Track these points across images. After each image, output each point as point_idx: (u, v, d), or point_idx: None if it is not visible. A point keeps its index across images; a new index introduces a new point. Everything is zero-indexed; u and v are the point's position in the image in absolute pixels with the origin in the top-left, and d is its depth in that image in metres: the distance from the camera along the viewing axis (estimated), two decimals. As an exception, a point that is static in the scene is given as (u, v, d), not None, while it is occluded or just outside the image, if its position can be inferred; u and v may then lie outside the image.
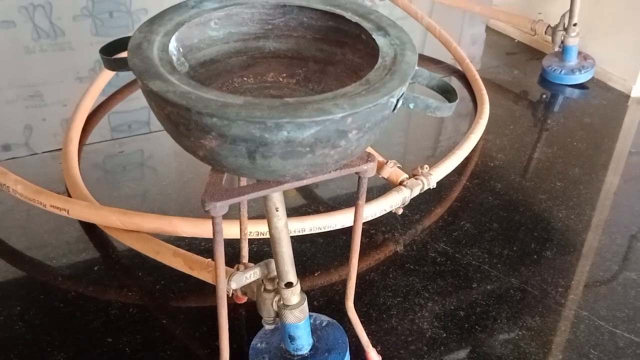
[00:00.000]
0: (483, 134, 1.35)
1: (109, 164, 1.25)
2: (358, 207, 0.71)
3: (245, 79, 0.73)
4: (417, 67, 0.61)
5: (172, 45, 0.62)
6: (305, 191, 1.19)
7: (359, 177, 0.68)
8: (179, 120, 0.54)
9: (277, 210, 0.69)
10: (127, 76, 1.51)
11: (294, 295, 0.75)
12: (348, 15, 0.68)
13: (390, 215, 1.08)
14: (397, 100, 0.58)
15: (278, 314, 0.77)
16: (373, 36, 0.64)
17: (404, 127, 1.48)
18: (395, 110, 0.58)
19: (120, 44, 0.64)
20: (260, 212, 0.96)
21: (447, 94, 0.62)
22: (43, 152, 1.25)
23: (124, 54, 0.62)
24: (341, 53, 0.70)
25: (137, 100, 1.47)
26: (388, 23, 0.66)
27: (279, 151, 0.54)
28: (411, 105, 0.59)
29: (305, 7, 0.70)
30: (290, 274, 0.74)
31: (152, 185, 1.22)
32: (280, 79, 0.74)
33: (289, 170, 0.57)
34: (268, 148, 0.54)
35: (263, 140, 0.53)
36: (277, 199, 0.69)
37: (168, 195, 1.17)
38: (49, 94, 1.45)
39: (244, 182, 0.74)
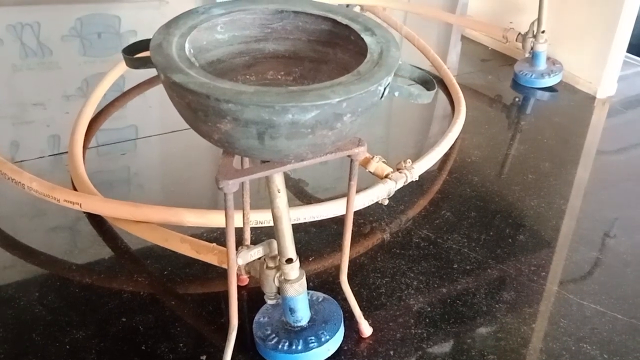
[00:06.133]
0: (460, 133, 1.45)
1: (111, 165, 1.33)
2: (351, 187, 0.80)
3: (247, 76, 0.82)
4: (400, 62, 0.70)
5: (186, 46, 0.71)
6: (297, 188, 1.28)
7: (351, 160, 0.77)
8: (198, 107, 0.63)
9: (279, 192, 0.78)
10: (116, 88, 1.59)
11: (294, 270, 0.84)
12: (339, 18, 0.77)
13: (377, 205, 1.18)
14: (384, 89, 0.67)
15: (279, 289, 0.86)
16: (362, 36, 0.73)
17: (388, 127, 1.58)
18: (383, 98, 0.68)
19: (139, 45, 0.74)
20: (258, 205, 1.05)
21: (427, 84, 0.72)
22: (49, 156, 1.33)
23: (140, 54, 0.71)
24: (333, 53, 0.80)
25: (136, 108, 1.55)
26: (374, 24, 0.76)
27: (284, 132, 0.63)
28: (396, 93, 0.69)
29: (301, 12, 0.79)
30: (290, 250, 0.83)
31: (153, 184, 1.30)
32: (279, 77, 0.83)
33: (292, 150, 0.66)
34: (275, 130, 0.63)
35: (271, 122, 0.62)
36: (279, 182, 0.78)
37: (171, 192, 1.25)
38: (35, 111, 1.49)
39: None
